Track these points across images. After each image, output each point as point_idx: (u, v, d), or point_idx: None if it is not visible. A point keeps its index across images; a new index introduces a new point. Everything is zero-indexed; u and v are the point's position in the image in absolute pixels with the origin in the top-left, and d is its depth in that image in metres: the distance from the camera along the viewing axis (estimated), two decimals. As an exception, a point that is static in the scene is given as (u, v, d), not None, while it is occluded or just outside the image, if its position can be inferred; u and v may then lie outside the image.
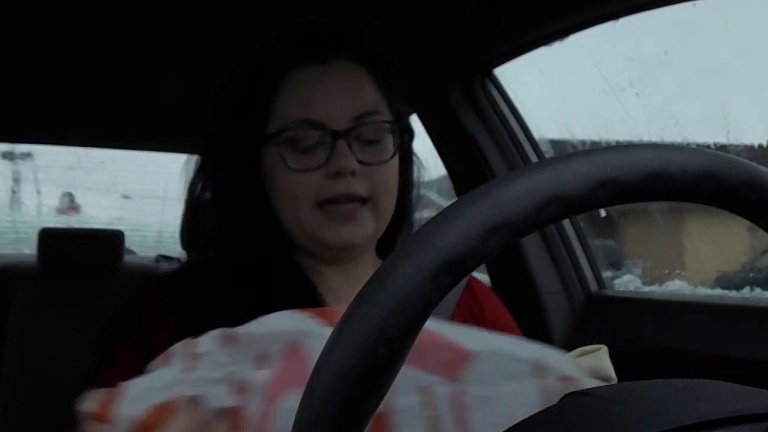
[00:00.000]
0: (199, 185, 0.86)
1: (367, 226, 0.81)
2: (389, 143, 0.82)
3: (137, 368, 0.74)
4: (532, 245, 1.56)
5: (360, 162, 0.79)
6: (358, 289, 0.82)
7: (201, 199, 0.85)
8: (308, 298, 0.81)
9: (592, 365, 0.57)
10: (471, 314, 0.91)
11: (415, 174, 0.92)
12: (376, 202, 0.81)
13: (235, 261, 0.81)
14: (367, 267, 0.86)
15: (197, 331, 0.75)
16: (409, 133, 0.88)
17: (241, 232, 0.83)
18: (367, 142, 0.80)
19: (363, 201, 0.80)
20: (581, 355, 0.58)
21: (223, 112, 0.85)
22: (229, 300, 0.77)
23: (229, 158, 0.84)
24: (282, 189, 0.80)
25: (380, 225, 0.83)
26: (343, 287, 0.84)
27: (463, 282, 0.92)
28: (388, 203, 0.83)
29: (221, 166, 0.84)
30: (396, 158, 0.84)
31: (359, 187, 0.79)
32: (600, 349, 0.58)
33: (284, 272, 0.82)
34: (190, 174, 0.87)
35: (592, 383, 0.55)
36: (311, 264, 0.84)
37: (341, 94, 0.80)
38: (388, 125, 0.82)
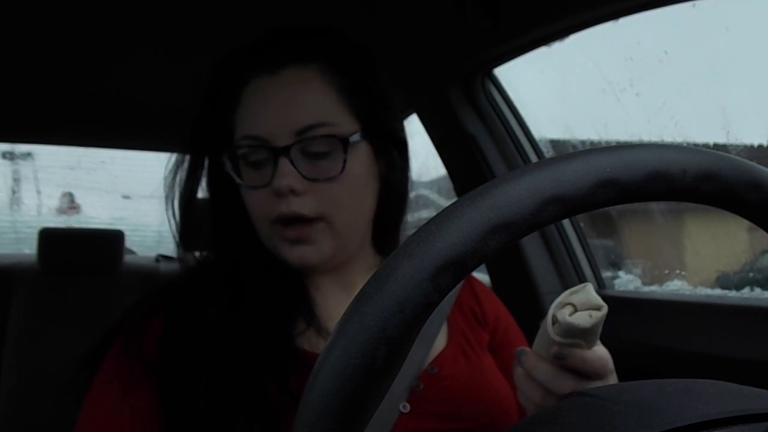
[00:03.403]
0: (188, 185, 0.85)
1: (323, 246, 0.78)
2: (341, 157, 0.77)
3: (128, 368, 0.74)
4: (532, 245, 1.56)
5: (306, 178, 0.75)
6: (350, 293, 0.82)
7: (191, 199, 0.85)
8: (298, 300, 0.81)
9: (581, 299, 0.61)
10: (473, 315, 0.91)
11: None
12: (329, 221, 0.78)
13: (228, 262, 0.81)
14: (361, 270, 0.86)
15: (183, 332, 0.75)
16: (344, 141, 0.81)
17: (233, 234, 0.83)
18: (314, 156, 0.76)
19: (310, 220, 0.77)
20: (570, 294, 0.63)
21: (197, 121, 0.84)
22: (217, 301, 0.77)
23: (209, 166, 0.84)
24: (246, 203, 0.80)
25: (342, 241, 0.80)
26: (336, 291, 0.84)
27: (463, 280, 0.92)
28: (344, 219, 0.79)
29: (206, 171, 0.85)
30: (355, 171, 0.78)
31: (302, 206, 0.76)
32: (585, 285, 0.62)
33: (275, 274, 0.81)
34: (177, 173, 0.86)
35: (584, 316, 0.60)
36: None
37: (285, 107, 0.76)
38: (335, 139, 0.76)
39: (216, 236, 0.84)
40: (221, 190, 0.83)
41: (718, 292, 1.44)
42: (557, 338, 0.62)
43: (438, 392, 0.79)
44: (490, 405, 0.81)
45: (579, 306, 0.61)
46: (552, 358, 0.63)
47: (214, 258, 0.84)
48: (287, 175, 0.75)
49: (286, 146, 0.75)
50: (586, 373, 0.64)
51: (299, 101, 0.77)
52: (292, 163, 0.75)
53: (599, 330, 0.63)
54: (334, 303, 0.83)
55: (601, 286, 1.59)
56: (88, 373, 0.77)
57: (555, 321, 0.63)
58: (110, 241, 1.95)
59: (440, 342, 0.84)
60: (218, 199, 0.84)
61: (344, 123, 0.78)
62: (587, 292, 0.62)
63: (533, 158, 1.59)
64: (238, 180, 0.78)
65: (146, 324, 0.77)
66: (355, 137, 0.78)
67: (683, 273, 1.63)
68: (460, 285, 0.91)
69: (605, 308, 0.61)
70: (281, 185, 0.75)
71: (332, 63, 0.79)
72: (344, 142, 0.77)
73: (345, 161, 0.77)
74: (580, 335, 0.62)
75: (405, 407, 0.76)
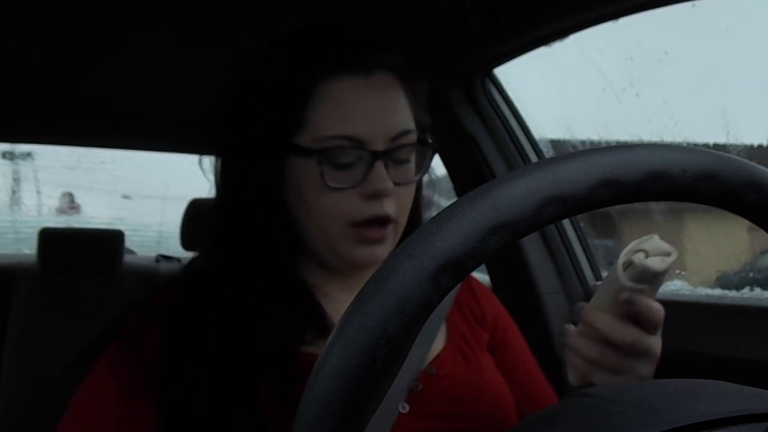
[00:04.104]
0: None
1: (389, 247, 0.80)
2: (413, 163, 0.81)
3: (128, 369, 0.74)
4: (532, 245, 1.56)
5: (393, 182, 0.77)
6: None
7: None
8: (307, 306, 0.80)
9: (652, 245, 0.65)
10: (472, 315, 0.91)
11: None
12: (397, 222, 0.80)
13: (236, 268, 0.79)
14: (370, 274, 0.85)
15: (185, 334, 0.75)
16: (434, 148, 0.85)
17: (250, 238, 0.79)
18: (399, 163, 0.79)
19: (390, 222, 0.79)
20: (639, 243, 0.66)
21: (243, 114, 0.80)
22: (221, 305, 0.76)
23: (250, 162, 0.79)
24: (312, 204, 0.77)
25: (395, 242, 0.82)
26: (346, 296, 0.83)
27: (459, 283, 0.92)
28: (404, 222, 0.82)
29: (239, 168, 0.80)
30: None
31: (390, 209, 0.77)
32: (653, 236, 0.65)
33: (286, 283, 0.80)
34: (216, 174, 0.83)
35: (657, 260, 0.64)
36: (315, 274, 0.83)
37: (382, 111, 0.77)
38: (427, 147, 0.81)
39: (237, 240, 0.80)
40: (260, 191, 0.79)
41: (718, 292, 1.44)
42: (629, 283, 0.65)
43: (436, 392, 0.79)
44: (489, 405, 0.81)
45: (651, 251, 0.64)
46: (622, 304, 0.65)
47: (219, 260, 0.82)
48: (386, 178, 0.76)
49: (386, 150, 0.76)
50: (649, 321, 0.66)
51: (392, 107, 0.79)
52: (385, 167, 0.76)
53: (664, 278, 0.66)
54: (343, 308, 0.82)
55: (601, 286, 1.59)
56: (83, 370, 0.76)
57: (627, 267, 0.65)
58: (110, 241, 1.95)
59: (439, 342, 0.84)
60: (253, 201, 0.79)
61: (415, 131, 0.81)
62: (656, 240, 0.65)
63: (533, 158, 1.59)
64: (326, 181, 0.75)
65: (147, 325, 0.77)
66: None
67: (683, 273, 1.63)
68: (458, 285, 0.91)
69: (675, 253, 0.64)
70: (383, 188, 0.75)
71: (404, 73, 0.82)
72: (434, 151, 0.82)
73: (428, 168, 0.81)
74: (652, 279, 0.65)
75: (404, 407, 0.76)
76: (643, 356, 0.68)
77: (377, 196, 0.76)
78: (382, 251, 0.79)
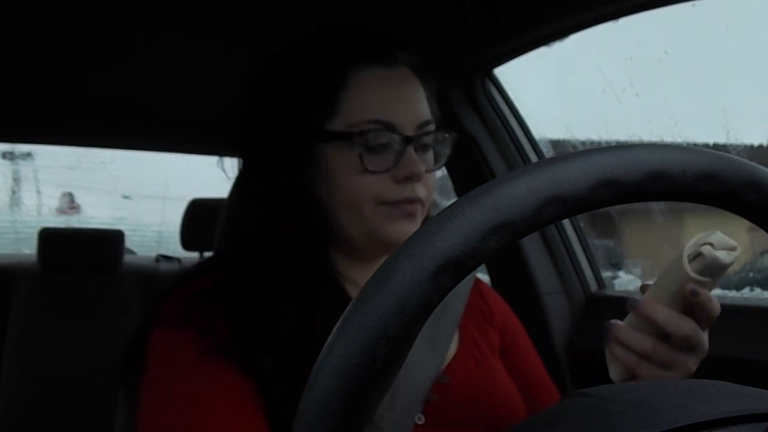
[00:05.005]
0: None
1: (419, 225, 0.81)
2: (443, 152, 0.85)
3: (195, 355, 0.72)
4: (532, 245, 1.56)
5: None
6: None
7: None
8: (339, 297, 0.80)
9: (718, 238, 0.65)
10: (482, 316, 0.91)
11: None
12: (425, 205, 0.82)
13: (267, 263, 0.79)
14: None
15: (251, 330, 0.74)
16: (454, 137, 0.87)
17: (282, 230, 0.79)
18: (425, 149, 0.82)
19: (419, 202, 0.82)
20: (703, 238, 0.66)
21: (273, 106, 0.81)
22: (267, 306, 0.76)
23: (280, 153, 0.80)
24: (345, 188, 0.79)
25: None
26: None
27: (472, 284, 0.92)
28: (427, 207, 0.84)
29: (269, 161, 0.81)
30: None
31: (421, 192, 0.80)
32: (715, 231, 0.66)
33: (315, 272, 0.80)
34: (243, 170, 0.85)
35: (724, 254, 0.64)
36: (340, 261, 0.84)
37: (409, 100, 0.82)
38: (449, 136, 0.85)
39: (264, 234, 0.80)
40: (288, 181, 0.80)
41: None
42: (695, 275, 0.65)
43: (451, 400, 0.79)
44: (500, 407, 0.81)
45: (717, 245, 0.65)
46: (685, 295, 0.65)
47: (246, 260, 0.80)
48: (418, 162, 0.79)
49: (415, 136, 0.80)
50: (706, 314, 0.67)
51: (416, 97, 0.83)
52: (415, 151, 0.79)
53: (725, 273, 0.67)
54: None
55: (601, 286, 1.59)
56: (134, 360, 0.76)
57: (692, 259, 0.65)
58: (110, 241, 1.95)
59: (451, 349, 0.84)
60: (280, 192, 0.80)
61: (434, 121, 0.84)
62: (720, 235, 0.65)
63: (533, 158, 1.59)
64: (364, 163, 0.77)
65: (207, 300, 0.76)
66: None
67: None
68: (468, 290, 0.91)
69: (740, 249, 0.65)
70: (416, 171, 0.78)
71: (420, 69, 0.85)
72: (454, 140, 0.85)
73: (449, 156, 0.85)
74: (716, 273, 0.65)
75: (420, 419, 0.76)
76: (693, 350, 0.68)
77: (410, 179, 0.78)
78: (412, 227, 0.80)
